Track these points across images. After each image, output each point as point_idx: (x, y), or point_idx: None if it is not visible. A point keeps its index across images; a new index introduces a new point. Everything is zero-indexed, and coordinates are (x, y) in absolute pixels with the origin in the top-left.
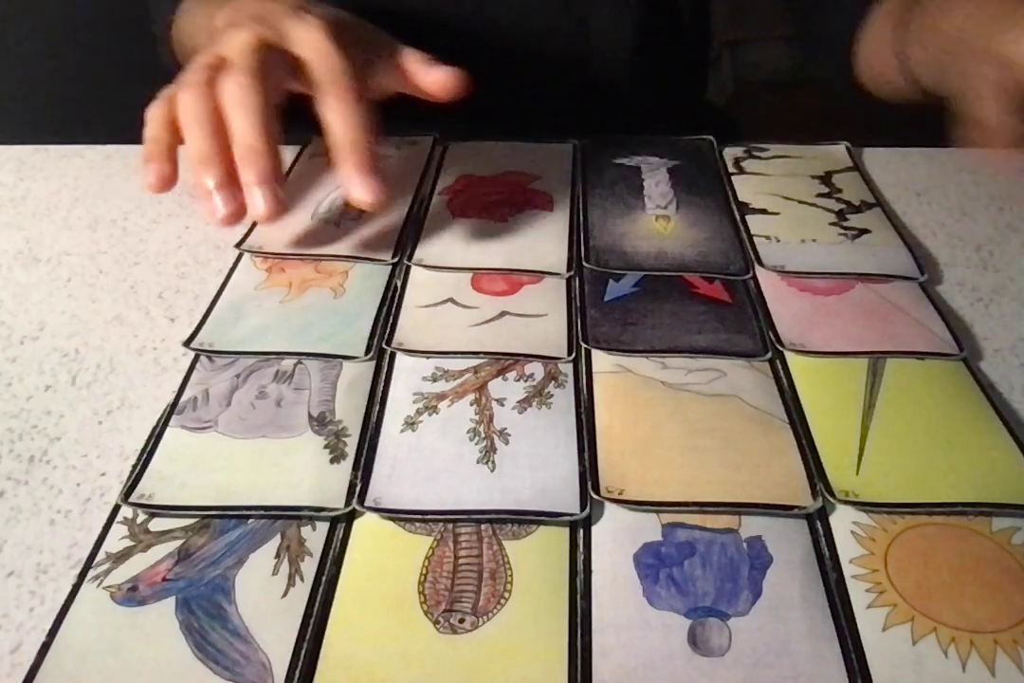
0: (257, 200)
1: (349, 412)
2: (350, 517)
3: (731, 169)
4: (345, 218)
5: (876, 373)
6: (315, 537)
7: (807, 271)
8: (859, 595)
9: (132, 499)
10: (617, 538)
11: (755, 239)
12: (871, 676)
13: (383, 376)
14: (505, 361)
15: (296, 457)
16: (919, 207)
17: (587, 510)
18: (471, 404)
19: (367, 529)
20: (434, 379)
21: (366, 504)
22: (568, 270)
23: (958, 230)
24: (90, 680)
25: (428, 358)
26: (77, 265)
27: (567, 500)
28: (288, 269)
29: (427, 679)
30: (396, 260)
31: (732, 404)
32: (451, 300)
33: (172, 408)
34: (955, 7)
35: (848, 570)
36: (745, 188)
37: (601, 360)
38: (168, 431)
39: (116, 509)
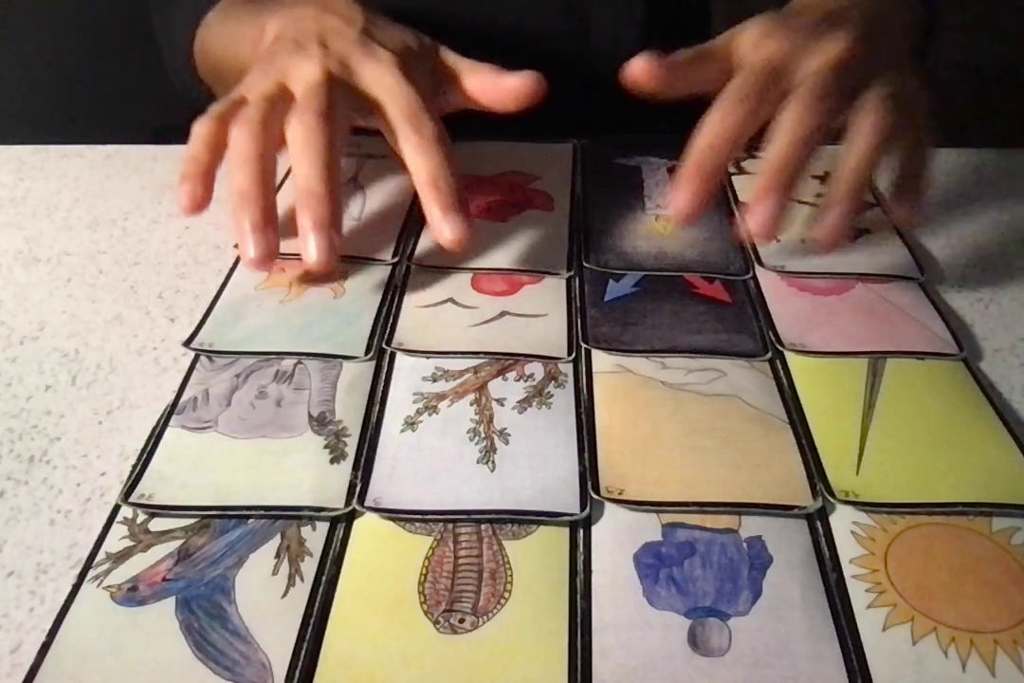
0: (311, 247)
1: (349, 412)
2: (350, 517)
3: (731, 169)
4: (345, 218)
5: (876, 373)
6: (315, 537)
7: (807, 271)
8: (859, 595)
9: (132, 499)
10: (617, 538)
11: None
12: (871, 676)
13: (383, 376)
14: (505, 361)
15: (296, 457)
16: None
17: (587, 510)
18: (471, 404)
19: (367, 529)
20: (434, 379)
21: (366, 504)
22: (568, 270)
23: (958, 230)
24: (90, 680)
25: (428, 358)
26: (77, 265)
27: (567, 500)
28: (288, 269)
29: (427, 679)
30: (396, 260)
31: (732, 404)
32: (451, 300)
33: (172, 408)
34: None
35: (848, 570)
36: (745, 188)
37: (601, 360)
38: (168, 431)
39: (116, 509)
